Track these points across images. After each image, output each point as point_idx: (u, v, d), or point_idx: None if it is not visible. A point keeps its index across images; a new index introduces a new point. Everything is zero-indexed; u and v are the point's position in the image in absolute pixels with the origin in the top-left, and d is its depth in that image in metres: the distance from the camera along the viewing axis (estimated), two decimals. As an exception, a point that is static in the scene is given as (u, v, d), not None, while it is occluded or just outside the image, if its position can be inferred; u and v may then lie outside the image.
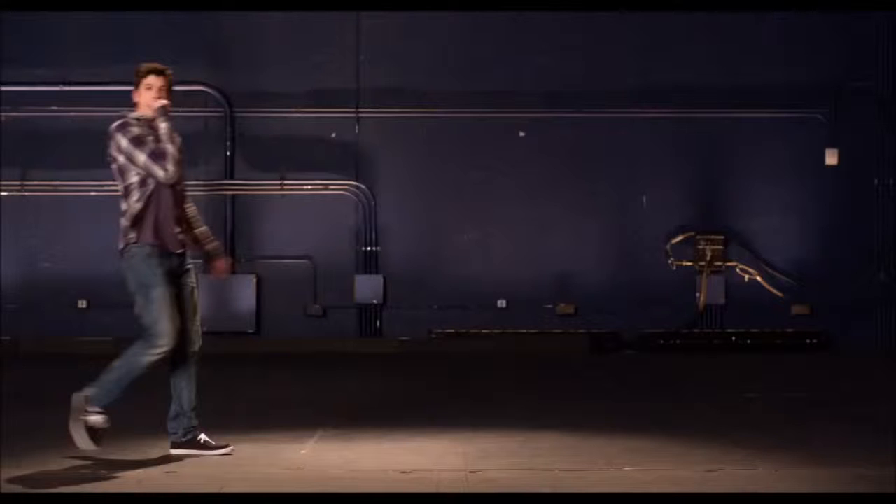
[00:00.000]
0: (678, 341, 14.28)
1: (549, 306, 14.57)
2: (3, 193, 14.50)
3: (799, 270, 14.61)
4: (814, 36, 14.60)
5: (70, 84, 14.41)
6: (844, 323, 14.42)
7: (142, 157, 6.84)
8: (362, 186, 14.54)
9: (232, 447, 7.10)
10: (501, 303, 14.55)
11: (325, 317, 14.50)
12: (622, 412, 8.97)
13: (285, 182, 14.45)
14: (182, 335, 7.05)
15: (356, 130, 14.53)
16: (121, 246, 7.11)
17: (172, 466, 6.69)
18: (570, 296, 14.59)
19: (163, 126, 6.93)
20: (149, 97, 7.00)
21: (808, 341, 14.24)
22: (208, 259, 7.55)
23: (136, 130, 6.90)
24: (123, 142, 6.87)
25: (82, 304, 14.47)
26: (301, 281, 14.32)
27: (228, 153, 14.53)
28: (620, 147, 14.62)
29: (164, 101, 6.97)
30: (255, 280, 14.29)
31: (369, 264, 14.56)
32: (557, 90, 14.56)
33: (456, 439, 7.47)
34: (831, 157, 14.58)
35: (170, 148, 6.90)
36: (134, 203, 6.95)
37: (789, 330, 14.40)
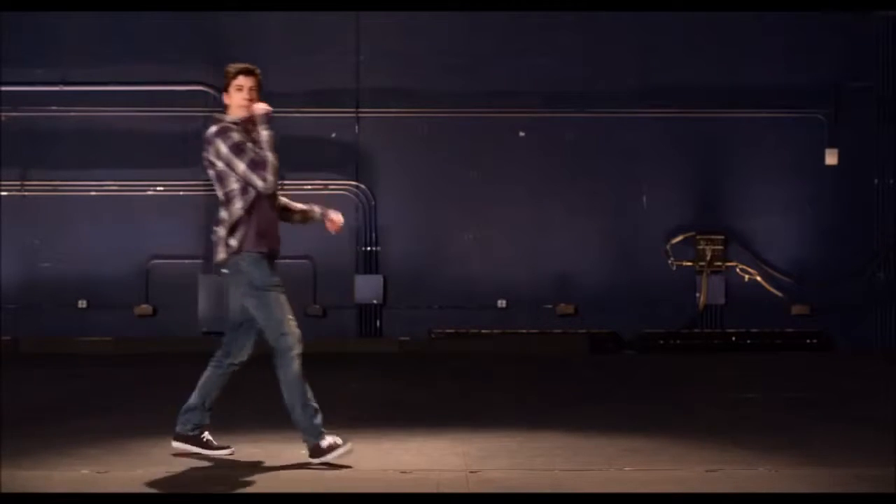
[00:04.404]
0: (678, 341, 14.29)
1: (549, 306, 14.57)
2: (3, 193, 14.50)
3: (799, 270, 14.62)
4: (814, 36, 14.60)
5: (69, 84, 14.41)
6: (844, 323, 14.43)
7: (241, 166, 6.73)
8: (362, 186, 14.55)
9: (233, 449, 7.08)
10: (501, 303, 14.55)
11: (325, 317, 14.50)
12: (622, 412, 8.97)
13: (285, 182, 14.43)
14: (239, 343, 6.98)
15: (356, 130, 14.53)
16: (222, 256, 6.87)
17: (172, 466, 6.69)
18: (570, 296, 14.59)
19: (264, 133, 6.82)
20: (240, 98, 6.92)
21: (808, 341, 14.25)
22: (323, 219, 7.33)
23: (236, 137, 6.80)
24: (223, 148, 6.77)
25: (82, 304, 14.47)
26: (301, 281, 14.31)
27: (228, 153, 14.51)
28: (620, 147, 14.62)
29: (265, 107, 6.85)
30: (255, 280, 14.29)
31: (369, 264, 14.57)
32: (557, 90, 14.56)
33: (456, 439, 7.47)
34: (831, 157, 14.58)
35: (270, 157, 6.77)
36: (237, 210, 6.80)
37: (789, 330, 14.41)
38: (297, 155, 14.50)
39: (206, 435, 7.04)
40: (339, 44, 14.59)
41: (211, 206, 14.73)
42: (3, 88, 14.30)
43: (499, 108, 14.54)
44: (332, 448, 6.68)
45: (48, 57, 14.41)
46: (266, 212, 6.85)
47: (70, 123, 14.51)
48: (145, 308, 14.44)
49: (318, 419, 6.74)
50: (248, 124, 6.91)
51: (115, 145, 14.50)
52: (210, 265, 14.58)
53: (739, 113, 14.55)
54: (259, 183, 6.73)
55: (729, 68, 14.59)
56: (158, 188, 14.54)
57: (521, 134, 14.68)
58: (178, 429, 7.03)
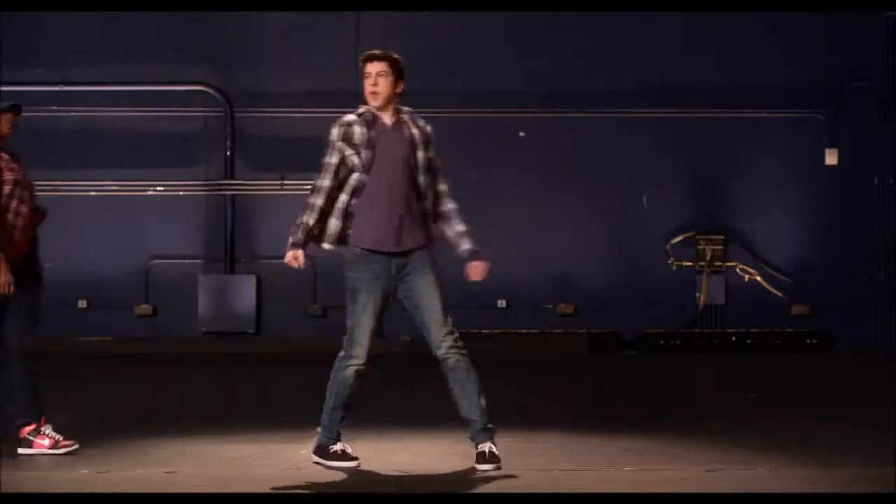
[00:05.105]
0: (678, 341, 14.28)
1: (549, 306, 14.56)
2: (3, 193, 14.47)
3: (799, 270, 14.61)
4: (814, 36, 14.59)
5: (69, 84, 14.41)
6: (844, 323, 14.42)
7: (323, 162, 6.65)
8: (362, 186, 14.54)
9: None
10: (501, 303, 14.55)
11: (325, 317, 14.49)
12: (622, 412, 8.97)
13: (285, 182, 14.45)
14: (431, 330, 6.74)
15: (356, 130, 14.50)
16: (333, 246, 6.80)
17: (172, 466, 6.69)
18: (570, 296, 14.58)
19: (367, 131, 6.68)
20: (367, 86, 6.70)
21: (808, 341, 14.24)
22: (466, 260, 6.84)
23: (335, 132, 6.70)
24: (329, 139, 6.69)
25: (82, 304, 14.47)
26: (301, 281, 14.30)
27: (228, 153, 14.53)
28: (620, 147, 14.61)
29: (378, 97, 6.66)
30: (255, 280, 14.30)
31: (369, 264, 14.53)
32: (557, 90, 14.55)
33: (456, 439, 7.45)
34: (831, 157, 14.58)
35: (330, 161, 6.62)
36: (342, 201, 6.62)
37: (789, 330, 14.40)
38: (297, 155, 14.50)
39: (488, 446, 6.52)
40: (339, 44, 14.58)
41: (211, 206, 14.78)
42: (3, 88, 14.26)
43: (499, 108, 14.53)
44: (337, 457, 6.53)
45: (48, 57, 14.40)
46: (380, 207, 6.56)
47: (70, 123, 14.50)
48: (145, 308, 14.43)
49: (341, 425, 6.61)
50: (381, 114, 6.75)
51: (115, 145, 14.50)
52: (210, 265, 14.59)
53: (739, 113, 14.54)
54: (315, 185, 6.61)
55: (729, 68, 14.58)
56: (158, 188, 14.54)
57: (521, 134, 14.68)
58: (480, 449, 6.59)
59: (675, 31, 14.55)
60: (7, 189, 7.12)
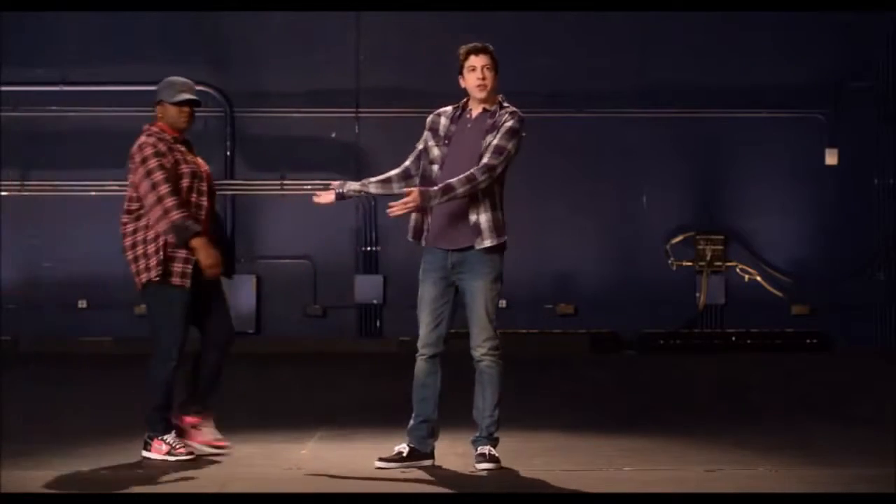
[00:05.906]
0: (678, 341, 14.28)
1: (549, 306, 14.57)
2: (4, 193, 14.50)
3: (799, 270, 14.62)
4: (814, 36, 14.60)
5: (70, 84, 14.41)
6: (844, 323, 14.42)
7: None
8: (362, 186, 14.54)
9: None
10: (501, 302, 14.48)
11: (325, 317, 14.50)
12: (622, 412, 8.98)
13: (285, 182, 14.45)
14: (471, 338, 6.71)
15: (356, 130, 14.53)
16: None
17: (172, 466, 6.68)
18: (570, 296, 14.59)
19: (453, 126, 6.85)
20: (474, 79, 6.66)
21: (808, 341, 14.24)
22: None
23: (427, 121, 6.89)
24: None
25: (82, 304, 14.47)
26: (301, 281, 14.32)
27: (228, 153, 14.53)
28: (620, 147, 14.62)
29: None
30: (255, 280, 14.29)
31: (369, 264, 14.56)
32: (557, 90, 14.55)
33: (456, 439, 7.45)
34: (831, 157, 14.58)
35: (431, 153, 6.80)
36: None
37: (789, 330, 14.40)
38: (297, 155, 14.54)
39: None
40: (339, 44, 14.58)
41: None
42: (3, 88, 14.29)
43: (499, 108, 14.50)
44: (393, 458, 6.56)
45: (49, 57, 14.41)
46: (446, 203, 6.70)
47: (70, 123, 14.50)
48: (145, 308, 14.41)
49: (423, 430, 6.63)
50: (472, 108, 6.78)
51: (115, 145, 14.38)
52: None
53: (739, 113, 14.55)
54: None
55: (729, 68, 14.59)
56: (158, 188, 14.51)
57: (522, 134, 14.66)
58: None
59: (675, 31, 14.55)
60: (185, 182, 7.05)
